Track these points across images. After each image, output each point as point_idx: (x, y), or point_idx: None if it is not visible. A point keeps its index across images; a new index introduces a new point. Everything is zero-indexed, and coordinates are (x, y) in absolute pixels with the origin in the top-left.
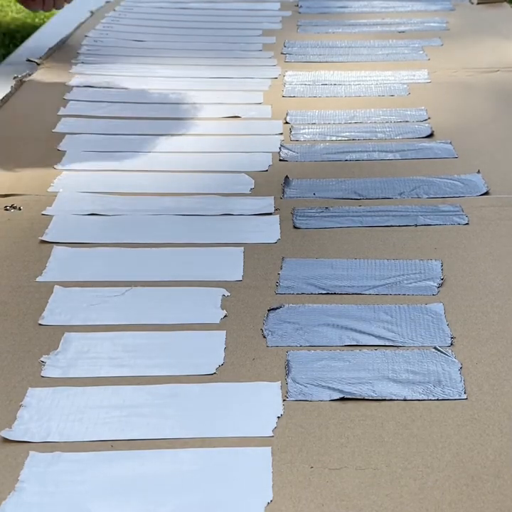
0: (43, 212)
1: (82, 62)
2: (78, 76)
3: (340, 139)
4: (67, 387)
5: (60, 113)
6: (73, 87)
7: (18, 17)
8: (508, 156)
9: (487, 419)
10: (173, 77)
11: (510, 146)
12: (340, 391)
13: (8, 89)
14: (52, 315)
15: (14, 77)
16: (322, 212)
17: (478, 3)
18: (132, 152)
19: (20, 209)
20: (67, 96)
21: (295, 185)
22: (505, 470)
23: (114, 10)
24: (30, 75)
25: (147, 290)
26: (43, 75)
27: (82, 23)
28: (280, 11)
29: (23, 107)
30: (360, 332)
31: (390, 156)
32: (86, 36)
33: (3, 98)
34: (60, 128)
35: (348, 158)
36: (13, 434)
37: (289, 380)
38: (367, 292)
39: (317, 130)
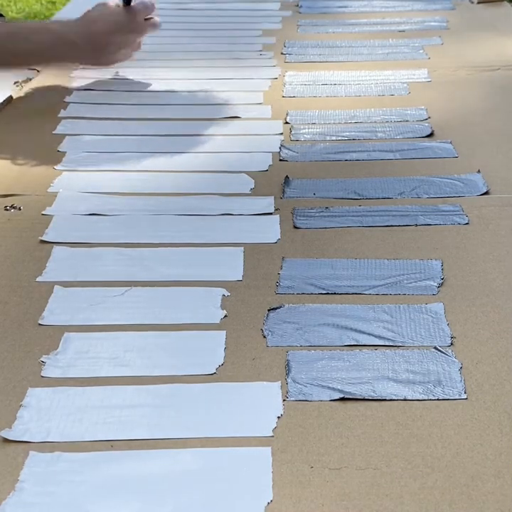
0: (43, 212)
1: (83, 68)
2: (78, 80)
3: (340, 138)
4: (67, 387)
5: (60, 115)
6: (73, 90)
7: (18, 17)
8: (508, 155)
9: (487, 419)
10: (172, 79)
11: (511, 146)
12: (341, 391)
13: (8, 92)
14: (52, 315)
15: (15, 83)
16: (322, 212)
17: (478, 2)
18: (132, 153)
19: (20, 209)
20: (67, 99)
21: (295, 185)
22: (505, 470)
23: None
24: (30, 79)
25: (147, 290)
26: (43, 79)
27: None
28: (280, 10)
29: (23, 110)
30: (360, 332)
31: (390, 155)
32: None
33: (4, 101)
34: (60, 130)
35: (348, 158)
36: (13, 434)
37: (289, 380)
38: (367, 292)
39: (317, 130)
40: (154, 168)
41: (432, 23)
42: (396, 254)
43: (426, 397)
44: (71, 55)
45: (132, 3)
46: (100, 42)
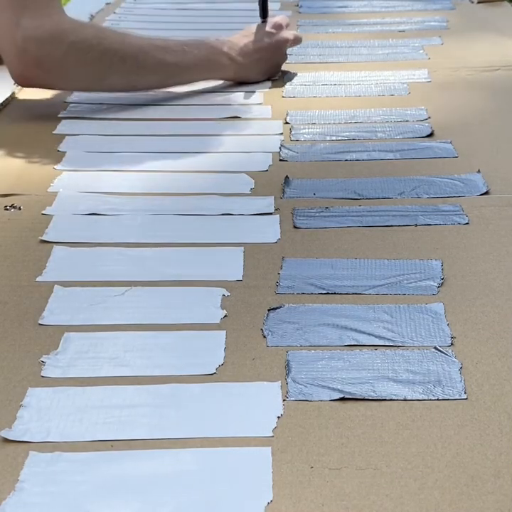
0: (43, 212)
1: None
2: None
3: (340, 138)
4: (67, 387)
5: (60, 115)
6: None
7: None
8: (508, 155)
9: (487, 419)
10: None
11: (511, 146)
12: (340, 391)
13: (8, 92)
14: (52, 315)
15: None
16: (322, 212)
17: (478, 2)
18: (132, 153)
19: (20, 209)
20: (67, 99)
21: (295, 185)
22: (505, 470)
23: (115, 12)
24: None
25: (147, 290)
26: None
27: None
28: (280, 11)
29: (23, 110)
30: (360, 332)
31: (390, 155)
32: None
33: (4, 101)
34: (60, 130)
35: (348, 158)
36: (13, 434)
37: (289, 380)
38: (367, 292)
39: (317, 130)
40: (154, 168)
41: (432, 23)
42: (396, 254)
43: (426, 397)
44: (227, 69)
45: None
46: (251, 53)
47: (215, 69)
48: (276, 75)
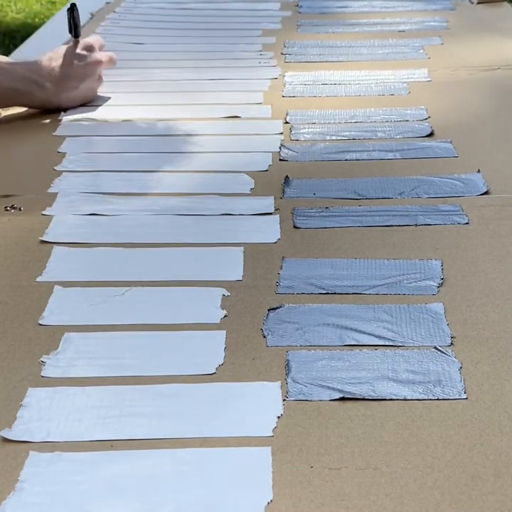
0: (43, 212)
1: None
2: None
3: (340, 138)
4: (67, 387)
5: (60, 117)
6: None
7: (18, 17)
8: (508, 155)
9: (487, 419)
10: (172, 80)
11: (511, 146)
12: (340, 391)
13: None
14: (52, 315)
15: None
16: (322, 212)
17: (478, 3)
18: (132, 153)
19: (20, 209)
20: None
21: (295, 185)
22: (505, 470)
23: (114, 11)
24: None
25: (147, 290)
26: None
27: (83, 26)
28: (280, 11)
29: (23, 111)
30: (360, 332)
31: (390, 155)
32: None
33: None
34: (60, 131)
35: (348, 157)
36: (13, 434)
37: (289, 380)
38: (367, 292)
39: (317, 130)
40: (154, 168)
41: (432, 23)
42: (396, 254)
43: (426, 397)
44: (34, 95)
45: (80, 37)
46: (60, 77)
47: (22, 96)
48: (92, 100)
